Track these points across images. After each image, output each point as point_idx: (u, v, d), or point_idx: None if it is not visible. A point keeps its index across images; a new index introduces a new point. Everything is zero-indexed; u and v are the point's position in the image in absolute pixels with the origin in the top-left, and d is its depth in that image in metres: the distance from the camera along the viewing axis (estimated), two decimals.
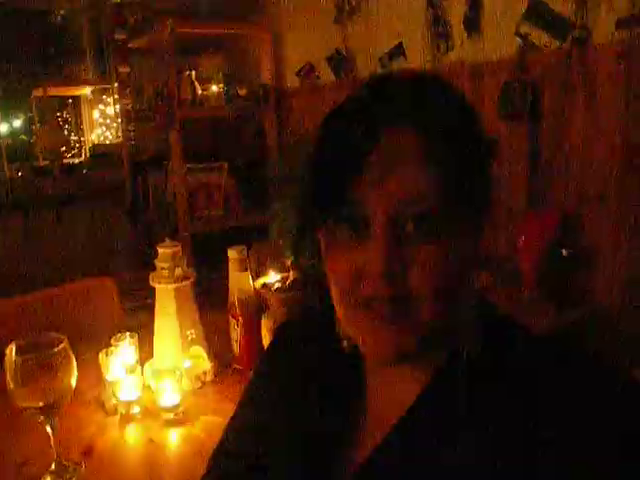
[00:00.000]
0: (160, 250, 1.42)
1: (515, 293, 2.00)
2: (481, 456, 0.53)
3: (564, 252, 1.95)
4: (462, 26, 2.24)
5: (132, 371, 1.32)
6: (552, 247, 1.96)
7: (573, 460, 0.49)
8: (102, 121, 5.23)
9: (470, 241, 0.57)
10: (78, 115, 5.38)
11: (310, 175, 0.58)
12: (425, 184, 0.53)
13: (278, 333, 0.85)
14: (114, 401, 1.30)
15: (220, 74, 3.27)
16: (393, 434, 0.59)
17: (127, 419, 1.27)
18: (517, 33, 2.06)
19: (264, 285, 1.51)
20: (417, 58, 2.46)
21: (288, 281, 1.55)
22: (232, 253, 1.49)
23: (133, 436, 1.22)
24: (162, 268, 1.42)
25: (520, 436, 0.52)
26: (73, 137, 5.39)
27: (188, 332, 1.44)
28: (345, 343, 0.66)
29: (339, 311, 0.60)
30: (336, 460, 0.63)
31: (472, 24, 2.20)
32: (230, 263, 1.50)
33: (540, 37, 2.00)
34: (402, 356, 0.56)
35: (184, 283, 1.43)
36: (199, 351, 1.47)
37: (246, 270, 1.51)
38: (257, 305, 1.50)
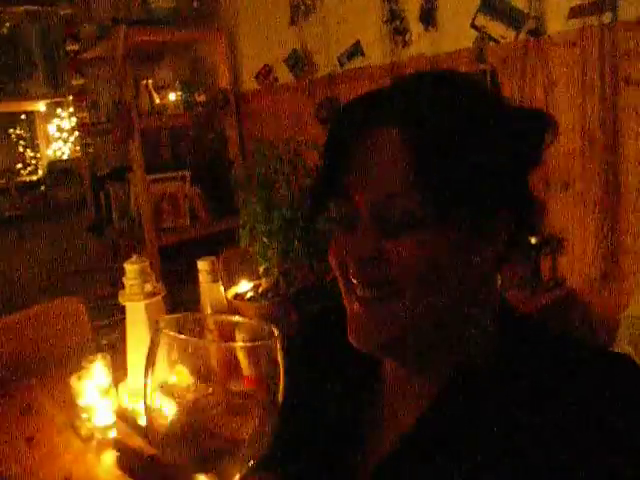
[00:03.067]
0: (127, 267, 1.38)
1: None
2: (499, 461, 0.52)
3: (533, 240, 1.97)
4: (418, 20, 2.25)
5: (106, 394, 1.28)
6: None
7: (592, 471, 0.49)
8: (58, 136, 5.10)
9: (457, 244, 0.56)
10: (33, 131, 5.23)
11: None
12: (405, 183, 0.54)
13: (308, 325, 0.86)
14: (90, 426, 1.26)
15: (177, 81, 3.21)
16: (410, 434, 0.59)
17: (105, 444, 1.23)
18: (473, 25, 2.07)
19: (236, 295, 1.49)
20: (376, 55, 2.46)
21: (261, 289, 1.53)
22: (202, 264, 1.46)
23: (112, 462, 1.18)
24: (131, 285, 1.38)
25: (541, 441, 0.51)
26: (29, 153, 5.25)
27: None
28: None
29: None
30: (352, 457, 0.64)
31: (428, 17, 2.21)
32: (200, 275, 1.47)
33: (496, 29, 2.01)
34: (380, 344, 0.58)
35: (155, 299, 1.39)
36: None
37: (217, 281, 1.48)
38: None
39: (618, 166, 1.84)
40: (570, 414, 0.51)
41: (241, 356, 0.52)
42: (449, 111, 0.55)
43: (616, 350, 1.81)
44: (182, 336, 0.48)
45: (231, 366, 0.50)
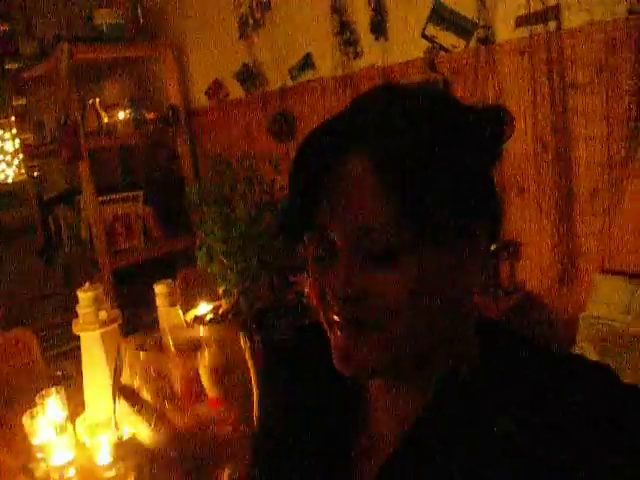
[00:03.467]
0: (80, 295, 1.32)
1: None
2: (499, 460, 0.52)
3: (492, 246, 1.98)
4: (369, 31, 2.25)
5: (62, 430, 1.21)
6: None
7: (592, 471, 0.48)
8: (1, 159, 4.92)
9: (442, 267, 0.54)
10: None
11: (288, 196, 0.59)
12: (381, 214, 0.52)
13: (276, 350, 0.83)
14: (45, 467, 1.18)
15: (126, 99, 3.14)
16: (399, 450, 0.58)
17: None
18: (423, 35, 2.09)
19: (196, 318, 1.44)
20: (327, 67, 2.45)
21: (221, 310, 1.49)
22: (159, 288, 1.40)
23: None
24: (85, 314, 1.31)
25: (541, 441, 0.51)
26: None
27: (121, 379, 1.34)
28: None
29: None
30: (341, 476, 0.62)
31: (379, 28, 2.22)
32: (158, 299, 1.42)
33: (446, 38, 2.03)
34: (365, 372, 0.57)
35: (111, 327, 1.33)
36: None
37: (175, 304, 1.42)
38: (192, 341, 1.42)
39: (571, 170, 1.87)
40: (570, 414, 0.51)
41: (205, 378, 0.50)
42: (417, 131, 0.53)
43: (577, 349, 1.84)
44: (143, 354, 0.48)
45: (196, 388, 0.49)
